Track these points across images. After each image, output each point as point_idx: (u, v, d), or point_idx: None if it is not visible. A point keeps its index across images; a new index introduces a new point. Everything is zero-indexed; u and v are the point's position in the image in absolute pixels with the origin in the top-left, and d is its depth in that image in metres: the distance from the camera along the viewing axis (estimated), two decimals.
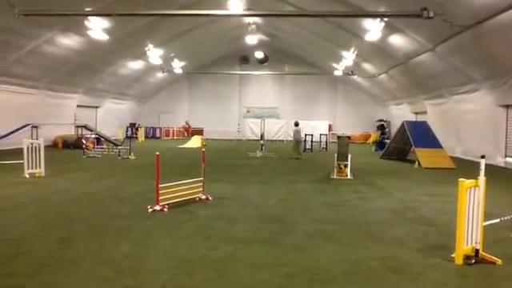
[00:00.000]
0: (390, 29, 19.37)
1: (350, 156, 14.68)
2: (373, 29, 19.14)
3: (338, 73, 33.45)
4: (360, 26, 20.90)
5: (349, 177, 14.29)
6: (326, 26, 23.68)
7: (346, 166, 14.61)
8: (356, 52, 25.96)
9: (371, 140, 35.85)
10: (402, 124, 20.23)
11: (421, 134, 19.14)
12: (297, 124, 22.09)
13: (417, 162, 18.15)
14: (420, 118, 27.07)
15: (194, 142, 29.49)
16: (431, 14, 13.58)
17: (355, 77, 33.34)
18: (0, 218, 8.00)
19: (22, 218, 8.13)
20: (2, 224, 7.59)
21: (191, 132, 36.69)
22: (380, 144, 28.13)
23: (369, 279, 5.29)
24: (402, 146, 21.16)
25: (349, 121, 38.94)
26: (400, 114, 32.03)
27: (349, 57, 27.48)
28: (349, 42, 25.21)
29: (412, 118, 28.66)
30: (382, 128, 36.18)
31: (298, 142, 21.60)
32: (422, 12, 13.62)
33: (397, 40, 20.79)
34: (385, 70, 27.42)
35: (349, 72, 32.05)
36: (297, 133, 21.75)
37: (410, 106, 30.27)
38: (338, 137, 16.26)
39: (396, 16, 16.43)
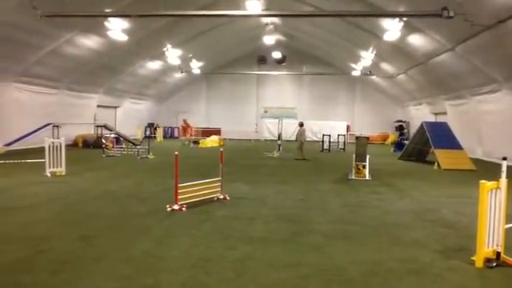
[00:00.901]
0: (409, 28, 19.19)
1: (368, 157, 14.58)
2: (392, 28, 18.97)
3: (356, 73, 33.24)
4: (379, 26, 20.75)
5: (367, 178, 14.19)
6: (345, 25, 23.57)
7: (364, 166, 14.51)
8: (374, 52, 25.78)
9: (390, 141, 35.54)
10: (422, 125, 20.00)
11: (440, 134, 18.89)
12: (301, 124, 21.81)
13: (436, 164, 17.93)
14: (439, 119, 26.75)
15: (211, 142, 29.62)
16: (451, 14, 13.41)
17: (373, 77, 33.09)
18: (22, 216, 8.16)
19: (43, 216, 8.28)
20: (24, 222, 7.74)
21: (191, 132, 34.23)
22: (399, 145, 27.86)
23: (387, 281, 5.25)
24: (421, 146, 20.94)
25: (367, 121, 38.65)
26: (419, 114, 31.68)
27: (367, 57, 27.30)
28: (367, 41, 25.04)
29: (431, 118, 28.33)
30: (400, 129, 35.85)
31: (302, 142, 21.30)
32: (442, 12, 13.46)
33: (416, 40, 20.59)
34: (404, 70, 27.16)
35: (367, 72, 31.82)
36: (301, 133, 21.46)
37: (430, 106, 29.92)
38: (357, 137, 16.15)
39: (416, 16, 16.27)
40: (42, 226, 7.46)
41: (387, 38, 20.50)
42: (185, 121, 34.44)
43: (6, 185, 11.56)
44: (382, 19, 19.73)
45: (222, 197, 10.05)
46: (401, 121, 36.65)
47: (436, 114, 28.97)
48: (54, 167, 13.56)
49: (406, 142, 25.01)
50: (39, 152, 15.26)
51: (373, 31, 22.42)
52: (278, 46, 33.84)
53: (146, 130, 37.06)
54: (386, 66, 29.61)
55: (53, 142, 13.81)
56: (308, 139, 36.61)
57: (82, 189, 11.35)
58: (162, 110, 41.15)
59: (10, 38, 17.11)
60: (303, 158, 20.41)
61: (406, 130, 35.35)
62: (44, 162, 13.49)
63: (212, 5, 21.26)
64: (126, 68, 28.21)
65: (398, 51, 23.63)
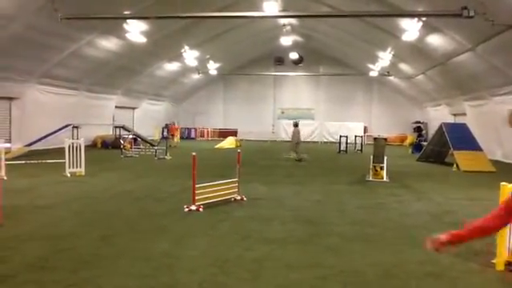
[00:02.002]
0: (428, 28, 18.99)
1: (386, 158, 14.47)
2: (410, 28, 18.79)
3: (374, 73, 33.02)
4: (397, 26, 20.57)
5: (385, 179, 14.09)
6: (362, 25, 23.43)
7: (382, 168, 14.40)
8: (393, 52, 25.57)
9: (408, 142, 35.20)
10: (440, 126, 19.78)
11: (459, 136, 18.65)
12: (296, 124, 21.53)
13: (455, 165, 17.72)
14: (458, 120, 26.40)
15: (229, 143, 29.73)
16: (472, 13, 13.22)
17: (391, 78, 32.82)
18: (43, 216, 8.31)
19: (64, 215, 8.42)
20: (45, 221, 7.88)
21: (176, 133, 33.39)
22: (417, 146, 27.56)
23: (406, 283, 5.22)
24: (439, 148, 20.70)
25: (384, 122, 38.32)
26: (438, 115, 31.30)
27: (385, 57, 27.09)
28: (385, 41, 24.86)
29: (450, 119, 27.96)
30: (418, 130, 35.46)
31: (297, 143, 21.10)
32: (462, 11, 13.28)
33: (435, 40, 20.37)
34: (422, 71, 26.89)
35: (385, 73, 31.58)
36: (296, 134, 21.22)
37: (449, 107, 29.55)
38: (375, 138, 16.05)
39: (435, 16, 16.10)
40: (62, 225, 7.59)
41: (406, 38, 20.31)
42: (174, 122, 34.78)
43: (27, 184, 11.78)
44: (401, 19, 19.56)
45: (239, 197, 10.08)
46: (419, 122, 36.25)
47: (455, 114, 28.59)
48: (73, 167, 13.76)
49: (425, 144, 24.75)
50: (59, 152, 15.52)
51: (391, 31, 22.25)
52: (295, 46, 33.82)
53: (163, 131, 37.29)
54: (404, 67, 29.35)
55: (72, 143, 14.02)
56: (325, 140, 36.81)
57: (101, 189, 11.51)
58: (180, 110, 41.41)
59: (32, 41, 17.43)
60: (299, 159, 20.22)
61: (424, 132, 34.95)
62: (64, 163, 13.70)
63: (229, 6, 21.34)
64: (144, 69, 28.49)
65: (417, 51, 23.40)
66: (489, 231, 2.83)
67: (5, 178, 11.96)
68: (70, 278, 5.11)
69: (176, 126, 34.40)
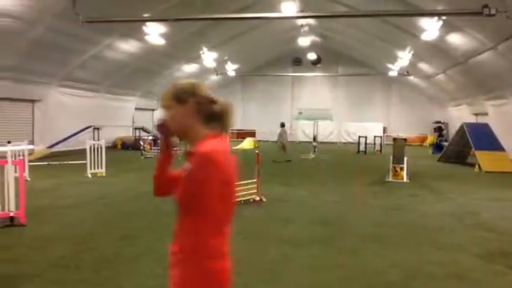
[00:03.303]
0: (448, 27, 18.74)
1: (405, 158, 14.34)
2: (430, 28, 18.57)
3: (393, 73, 32.70)
4: (416, 25, 20.35)
5: (405, 180, 13.95)
6: (381, 25, 23.24)
7: (401, 168, 14.27)
8: (412, 52, 25.29)
9: (428, 142, 34.79)
10: (461, 126, 19.50)
11: (481, 136, 18.36)
12: (283, 125, 21.28)
13: (477, 166, 17.45)
14: (480, 120, 25.98)
15: (247, 144, 29.79)
16: (493, 12, 12.99)
17: (411, 77, 32.47)
18: (66, 216, 8.45)
19: (85, 215, 8.55)
20: (68, 221, 8.01)
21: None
22: (437, 146, 27.23)
23: (427, 285, 5.18)
24: (461, 148, 20.41)
25: (404, 122, 37.91)
26: (459, 115, 30.83)
27: (404, 57, 26.80)
28: (404, 41, 24.60)
29: (472, 119, 27.53)
30: (439, 130, 35.02)
31: (283, 144, 20.82)
32: (483, 9, 13.05)
33: (455, 39, 20.09)
34: (442, 70, 26.54)
35: (404, 72, 31.26)
36: (282, 134, 20.98)
37: (470, 107, 29.09)
38: (394, 139, 15.91)
39: (455, 14, 15.88)
40: (84, 225, 7.71)
41: (425, 37, 20.07)
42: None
43: (50, 185, 11.99)
44: (420, 18, 19.35)
45: (257, 198, 10.10)
46: (439, 122, 35.79)
47: (476, 114, 28.13)
48: (94, 168, 13.96)
49: (445, 144, 24.44)
50: (80, 154, 15.76)
51: (410, 31, 22.02)
52: (313, 47, 33.69)
53: None
54: (423, 66, 29.01)
55: (93, 144, 14.22)
56: (344, 141, 36.59)
57: (121, 189, 11.65)
58: None
59: (54, 44, 17.73)
60: (287, 160, 19.92)
61: (444, 132, 34.50)
62: (85, 164, 13.91)
63: (247, 7, 21.39)
64: (162, 71, 28.73)
65: (437, 51, 23.12)
66: None
67: (28, 178, 12.18)
68: (93, 278, 5.19)
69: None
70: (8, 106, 19.95)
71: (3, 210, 7.45)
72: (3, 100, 19.45)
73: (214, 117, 2.28)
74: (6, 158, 9.44)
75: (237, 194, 9.44)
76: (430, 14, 17.66)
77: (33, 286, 4.92)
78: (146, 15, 17.26)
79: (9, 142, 11.65)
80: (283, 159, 19.99)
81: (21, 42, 16.77)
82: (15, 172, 8.03)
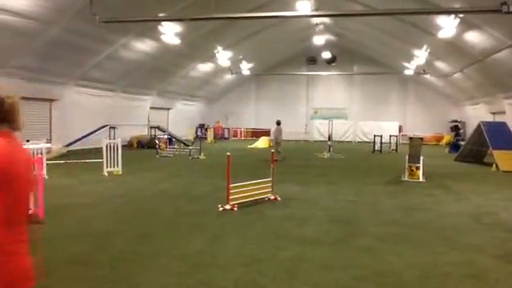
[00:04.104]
0: (465, 25, 18.51)
1: (422, 158, 14.21)
2: (447, 25, 18.37)
3: (409, 72, 32.38)
4: (433, 23, 20.14)
5: (421, 179, 13.83)
6: (397, 23, 23.04)
7: (417, 168, 14.14)
8: (428, 50, 25.03)
9: (444, 141, 34.42)
10: (479, 125, 19.26)
11: (499, 135, 18.10)
12: (278, 123, 21.06)
13: (494, 165, 17.21)
14: (498, 119, 25.62)
15: (262, 143, 29.83)
16: (511, 9, 12.82)
17: (427, 76, 32.14)
18: (83, 214, 8.56)
19: (102, 213, 8.65)
20: (85, 219, 8.12)
21: (221, 133, 37.41)
22: (454, 146, 26.92)
23: (444, 285, 5.13)
24: (478, 147, 20.16)
25: (420, 121, 37.55)
26: (476, 114, 30.43)
27: (421, 55, 26.53)
28: (421, 39, 24.35)
29: (489, 118, 27.16)
30: (456, 129, 34.61)
31: (278, 142, 20.47)
32: (502, 6, 12.85)
33: (473, 36, 19.83)
34: (460, 69, 26.21)
35: (420, 71, 30.94)
36: (277, 132, 20.72)
37: (487, 105, 28.71)
38: (410, 138, 15.77)
39: (473, 12, 15.67)
40: (101, 223, 7.80)
41: (442, 35, 19.86)
42: (217, 122, 38.98)
43: (67, 183, 12.15)
44: (437, 16, 19.14)
45: (272, 197, 10.11)
46: (456, 121, 35.37)
47: (494, 113, 27.75)
48: (111, 167, 14.10)
49: (462, 143, 24.15)
50: (96, 152, 15.95)
51: (427, 29, 21.79)
52: (328, 45, 33.55)
53: (196, 131, 37.80)
54: (440, 65, 28.69)
55: (110, 143, 14.37)
56: (359, 140, 36.40)
57: (137, 188, 11.76)
58: (213, 111, 41.74)
59: (71, 44, 17.96)
60: (280, 159, 19.70)
61: (461, 131, 34.08)
62: (101, 162, 14.06)
63: (262, 6, 21.39)
64: (178, 70, 28.89)
65: (454, 49, 22.85)
66: None
67: (46, 177, 12.36)
68: (110, 275, 5.26)
69: (220, 125, 36.20)
70: (26, 105, 20.23)
71: None
72: (21, 99, 19.70)
73: (3, 116, 2.27)
74: None
75: (251, 193, 9.48)
76: (447, 12, 17.47)
77: (51, 281, 5.00)
78: (161, 15, 17.37)
79: (27, 141, 11.81)
80: (280, 158, 19.73)
81: (38, 43, 17.03)
82: (33, 170, 8.15)
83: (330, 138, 23.89)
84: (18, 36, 15.79)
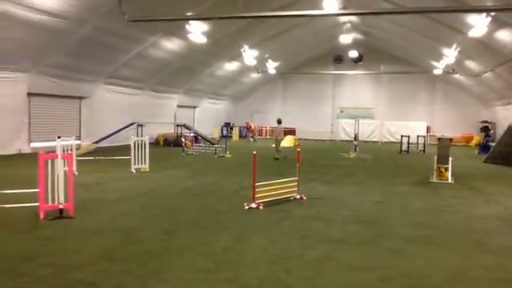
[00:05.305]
0: (497, 23, 18.07)
1: (450, 159, 13.96)
2: (478, 24, 17.96)
3: (438, 71, 31.80)
4: (463, 22, 19.73)
5: (449, 181, 13.59)
6: (426, 22, 22.66)
7: (446, 169, 13.89)
8: (458, 49, 24.54)
9: (474, 142, 33.71)
10: (510, 126, 18.79)
11: None
12: (279, 122, 20.95)
13: None
14: None
15: (288, 142, 29.76)
16: None
17: (457, 75, 31.50)
18: (112, 209, 8.71)
19: (130, 209, 8.79)
20: (113, 214, 8.27)
21: (253, 131, 37.38)
22: (484, 147, 26.33)
23: None
24: (508, 149, 19.66)
25: (448, 122, 36.81)
26: (507, 114, 29.65)
27: (450, 54, 26.03)
28: (450, 38, 23.90)
29: None
30: (486, 130, 33.83)
31: (278, 141, 20.40)
32: None
33: (505, 35, 19.35)
34: (490, 68, 25.62)
35: (450, 70, 30.36)
36: (278, 131, 20.65)
37: None
38: (439, 138, 15.50)
39: (505, 10, 15.28)
40: (129, 219, 7.94)
41: (473, 34, 19.43)
42: (248, 122, 38.48)
43: (96, 179, 12.39)
44: (468, 14, 18.74)
45: (298, 197, 10.09)
46: (486, 121, 34.57)
47: None
48: (138, 164, 14.31)
49: (492, 144, 23.60)
50: (124, 149, 16.21)
51: (457, 27, 21.36)
52: (355, 44, 33.26)
53: (222, 130, 38.02)
54: (470, 64, 28.09)
55: (137, 140, 14.58)
56: (385, 140, 35.97)
57: (164, 185, 11.90)
58: (239, 109, 41.88)
59: (101, 43, 18.32)
60: (278, 158, 19.46)
61: (491, 132, 33.30)
62: (129, 159, 14.28)
63: (289, 5, 21.33)
64: (204, 69, 29.11)
65: (485, 48, 22.34)
66: None
67: (76, 173, 12.62)
68: (138, 270, 5.34)
69: (251, 124, 36.53)
70: (57, 102, 20.78)
71: (53, 202, 7.77)
72: (53, 97, 20.29)
73: None
74: (55, 152, 9.80)
75: (276, 192, 9.50)
76: (479, 10, 17.08)
77: (81, 274, 5.12)
78: (188, 14, 17.52)
79: (59, 137, 12.06)
80: (280, 156, 19.67)
81: (70, 41, 17.42)
82: (64, 166, 8.35)
83: (356, 137, 23.69)
84: (51, 35, 16.20)
